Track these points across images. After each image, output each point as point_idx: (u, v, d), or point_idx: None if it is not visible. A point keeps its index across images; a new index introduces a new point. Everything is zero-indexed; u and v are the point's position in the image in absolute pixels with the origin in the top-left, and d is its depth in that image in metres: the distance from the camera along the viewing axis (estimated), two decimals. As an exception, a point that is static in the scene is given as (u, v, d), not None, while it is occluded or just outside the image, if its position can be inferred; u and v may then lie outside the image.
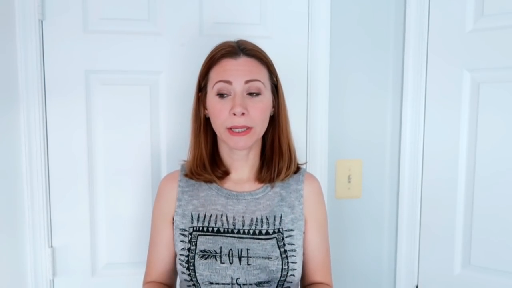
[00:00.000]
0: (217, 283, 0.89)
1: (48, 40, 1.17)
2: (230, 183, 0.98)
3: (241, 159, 0.97)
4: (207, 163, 0.96)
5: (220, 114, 0.90)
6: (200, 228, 0.93)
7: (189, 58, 1.23)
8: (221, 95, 0.90)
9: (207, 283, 0.89)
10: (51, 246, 1.23)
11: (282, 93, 0.99)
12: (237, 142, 0.90)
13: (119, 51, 1.21)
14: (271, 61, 0.96)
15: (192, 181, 0.99)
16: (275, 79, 0.97)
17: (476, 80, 1.22)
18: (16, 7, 1.14)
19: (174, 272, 1.01)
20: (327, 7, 1.28)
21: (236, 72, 0.90)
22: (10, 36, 1.13)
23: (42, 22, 1.17)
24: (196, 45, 1.23)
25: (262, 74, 0.93)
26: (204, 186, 0.98)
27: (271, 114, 0.97)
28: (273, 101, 0.96)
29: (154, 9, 1.22)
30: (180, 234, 0.94)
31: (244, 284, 0.89)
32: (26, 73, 1.16)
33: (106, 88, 1.22)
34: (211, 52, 0.95)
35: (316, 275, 1.00)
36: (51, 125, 1.20)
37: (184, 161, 1.01)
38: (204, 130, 0.97)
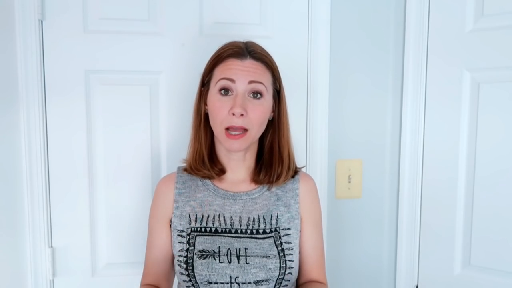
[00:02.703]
0: (216, 283, 0.89)
1: (48, 40, 1.18)
2: (226, 184, 0.99)
3: (238, 159, 0.98)
4: (206, 158, 0.97)
5: (220, 112, 0.90)
6: (198, 229, 0.93)
7: (189, 58, 1.23)
8: (223, 91, 0.90)
9: (206, 282, 0.89)
10: (51, 246, 1.23)
11: (284, 99, 0.99)
12: (232, 144, 0.90)
13: (119, 51, 1.21)
14: (276, 67, 0.97)
15: (189, 183, 0.99)
16: (278, 85, 0.97)
17: (476, 80, 1.22)
18: (16, 7, 1.14)
19: (171, 274, 1.01)
20: (327, 7, 1.29)
21: (241, 72, 0.90)
22: (10, 36, 1.13)
23: (42, 22, 1.17)
24: (196, 45, 1.23)
25: (265, 77, 0.93)
26: (201, 187, 0.98)
27: (270, 119, 0.98)
28: (273, 106, 0.96)
29: (154, 9, 1.22)
30: (178, 235, 0.94)
31: (243, 283, 0.89)
32: (26, 73, 1.16)
33: (106, 88, 1.22)
34: (218, 50, 0.95)
35: (311, 273, 1.00)
36: (51, 125, 1.20)
37: (184, 160, 1.01)
38: (204, 126, 0.97)
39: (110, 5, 1.19)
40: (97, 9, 1.19)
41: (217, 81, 0.91)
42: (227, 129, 0.90)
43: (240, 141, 0.90)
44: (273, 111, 0.97)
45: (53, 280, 1.24)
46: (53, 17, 1.17)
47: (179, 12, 1.23)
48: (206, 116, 0.97)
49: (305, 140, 1.32)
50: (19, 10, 1.14)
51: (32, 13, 1.14)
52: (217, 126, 0.91)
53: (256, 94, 0.91)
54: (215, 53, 0.95)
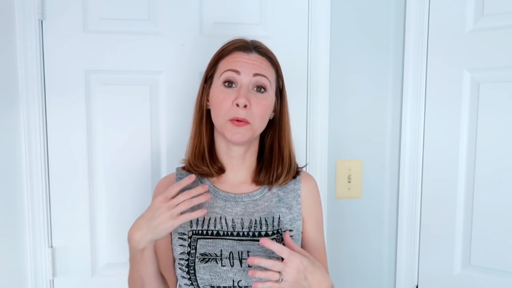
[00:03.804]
0: (218, 286, 0.88)
1: (48, 40, 1.17)
2: (226, 185, 0.98)
3: (238, 157, 0.96)
4: (206, 154, 0.96)
5: (223, 103, 0.89)
6: (200, 232, 0.93)
7: (189, 58, 1.23)
8: (227, 83, 0.90)
9: (208, 286, 0.88)
10: (51, 246, 1.23)
11: (286, 98, 0.99)
12: (234, 134, 0.88)
13: (119, 51, 1.21)
14: (279, 65, 0.97)
15: (189, 184, 0.98)
16: (281, 83, 0.97)
17: (476, 80, 1.22)
18: (16, 7, 1.14)
19: (172, 277, 0.99)
20: (327, 7, 1.29)
21: (246, 64, 0.90)
22: (10, 36, 1.13)
23: (42, 22, 1.17)
24: (196, 45, 1.23)
25: (270, 72, 0.93)
26: (201, 189, 0.97)
27: (271, 118, 0.97)
28: (275, 104, 0.96)
29: (154, 9, 1.22)
30: (179, 238, 0.93)
31: (245, 287, 0.88)
32: (26, 73, 1.16)
33: (106, 88, 1.22)
34: (223, 45, 0.95)
35: None
36: (51, 125, 1.20)
37: (184, 160, 1.01)
38: (205, 122, 0.97)
39: (110, 5, 1.19)
40: (97, 9, 1.19)
41: (222, 73, 0.91)
42: (230, 121, 0.89)
43: (243, 129, 0.88)
44: (275, 110, 0.97)
45: (53, 280, 1.24)
46: (53, 17, 1.17)
47: (179, 12, 1.23)
48: (208, 113, 0.96)
49: (305, 140, 1.32)
50: (19, 10, 1.14)
51: (32, 13, 1.14)
52: (220, 118, 0.90)
53: (260, 88, 0.91)
54: (220, 48, 0.95)
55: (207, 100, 0.96)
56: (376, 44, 1.35)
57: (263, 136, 0.99)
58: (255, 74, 0.90)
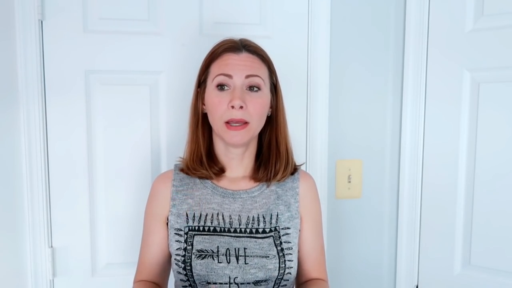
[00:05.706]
0: (215, 283, 0.88)
1: (48, 40, 1.17)
2: (225, 182, 0.98)
3: (237, 157, 0.97)
4: (204, 158, 0.96)
5: (218, 107, 0.89)
6: (196, 228, 0.93)
7: (189, 58, 1.23)
8: (220, 87, 0.90)
9: (204, 283, 0.88)
10: (51, 246, 1.23)
11: (281, 93, 0.99)
12: (233, 137, 0.89)
13: (119, 51, 1.21)
14: (271, 61, 0.97)
15: (186, 180, 0.98)
16: (274, 79, 0.97)
17: (476, 79, 1.22)
18: (16, 7, 1.14)
19: (166, 273, 1.00)
20: (327, 7, 1.29)
21: (237, 67, 0.90)
22: (10, 36, 1.13)
23: (42, 22, 1.17)
24: (196, 45, 1.23)
25: (262, 71, 0.93)
26: (199, 185, 0.97)
27: (268, 115, 0.97)
28: (271, 101, 0.96)
29: (154, 9, 1.22)
30: (175, 234, 0.93)
31: (241, 283, 0.89)
32: (26, 73, 1.16)
33: (106, 88, 1.22)
34: (213, 47, 0.95)
35: (312, 272, 1.00)
36: (51, 125, 1.20)
37: (181, 158, 1.01)
38: (202, 126, 0.97)
39: (110, 5, 1.19)
40: (97, 9, 1.19)
41: (214, 77, 0.91)
42: (227, 122, 0.89)
43: (242, 132, 0.89)
44: (271, 107, 0.97)
45: (53, 280, 1.24)
46: (53, 17, 1.17)
47: (179, 12, 1.23)
48: (204, 116, 0.97)
49: (305, 140, 1.32)
50: (19, 10, 1.14)
51: (32, 13, 1.14)
52: (217, 121, 0.91)
53: (253, 87, 0.91)
54: (210, 51, 0.95)
55: (203, 104, 0.96)
56: (376, 44, 1.35)
57: (260, 134, 0.99)
58: (247, 76, 0.90)
